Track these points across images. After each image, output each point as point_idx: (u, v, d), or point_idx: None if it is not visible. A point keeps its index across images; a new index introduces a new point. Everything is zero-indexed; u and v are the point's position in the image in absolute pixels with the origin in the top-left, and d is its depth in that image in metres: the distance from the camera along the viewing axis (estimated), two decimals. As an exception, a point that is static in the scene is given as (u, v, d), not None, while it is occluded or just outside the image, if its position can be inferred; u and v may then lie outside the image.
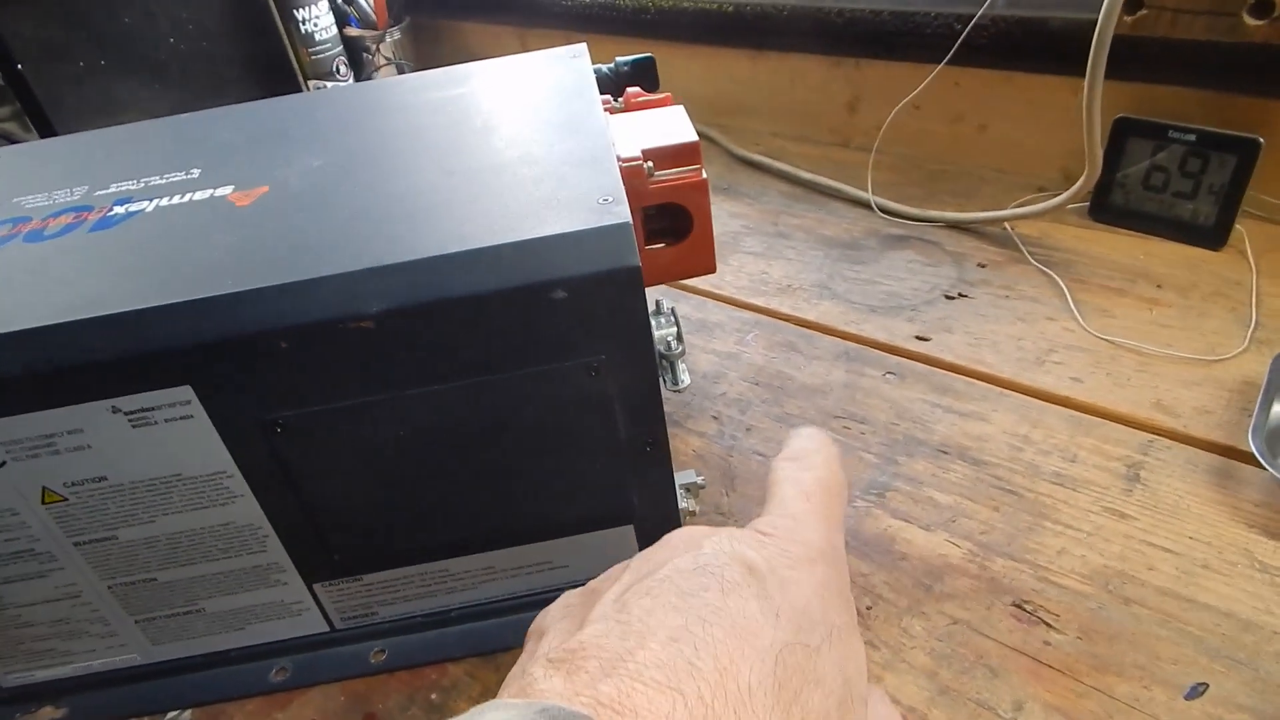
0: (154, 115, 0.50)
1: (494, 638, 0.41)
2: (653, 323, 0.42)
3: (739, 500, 0.48)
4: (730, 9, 0.85)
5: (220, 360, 0.31)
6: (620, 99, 0.48)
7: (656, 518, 0.39)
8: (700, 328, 0.62)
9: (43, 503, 0.34)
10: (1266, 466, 0.42)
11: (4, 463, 0.33)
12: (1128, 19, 0.61)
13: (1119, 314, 0.57)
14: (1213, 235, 0.61)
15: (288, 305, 0.31)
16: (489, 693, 0.39)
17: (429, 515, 0.37)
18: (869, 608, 0.41)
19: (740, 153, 0.86)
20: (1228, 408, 0.49)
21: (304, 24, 1.00)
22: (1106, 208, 0.66)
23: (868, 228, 0.72)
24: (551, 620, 0.25)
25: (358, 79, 1.08)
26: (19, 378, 0.31)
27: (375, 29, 1.08)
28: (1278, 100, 0.60)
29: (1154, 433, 0.48)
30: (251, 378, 0.32)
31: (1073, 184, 0.61)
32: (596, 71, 0.48)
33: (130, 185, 0.41)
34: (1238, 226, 0.61)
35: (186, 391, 0.32)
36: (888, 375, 0.55)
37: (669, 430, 0.36)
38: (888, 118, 0.72)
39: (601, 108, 0.42)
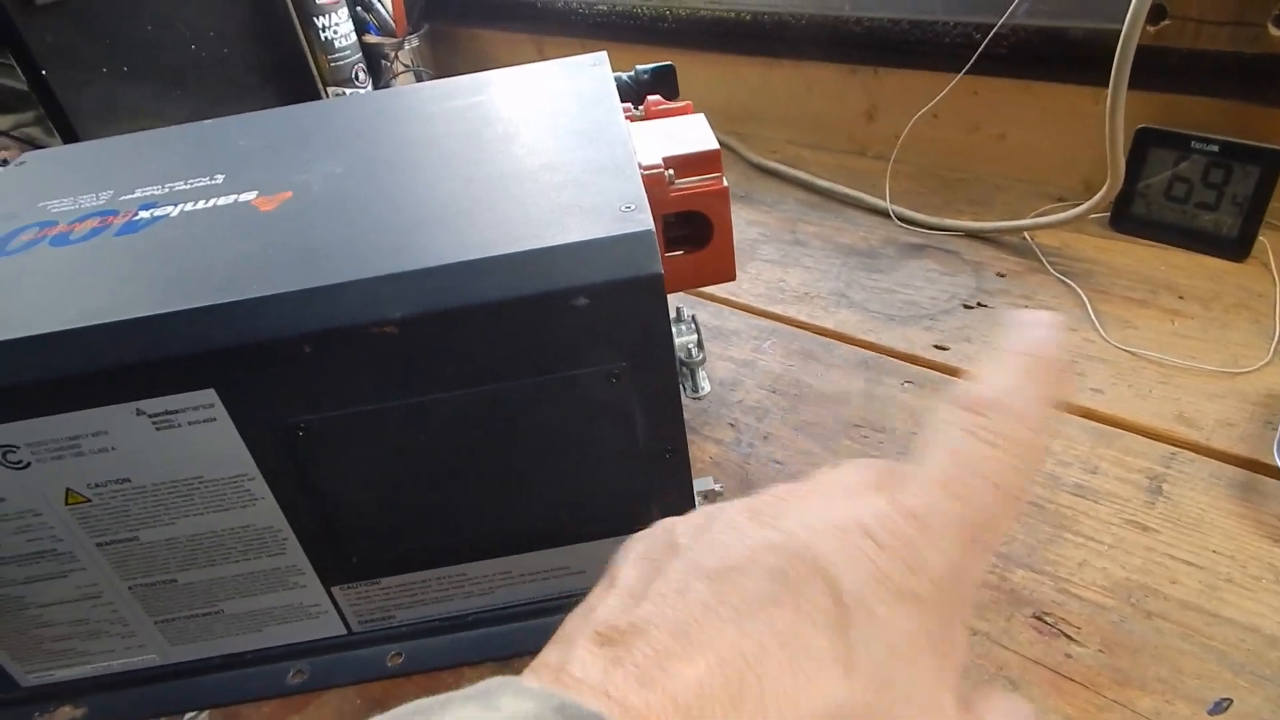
0: (175, 121, 0.51)
1: (511, 642, 0.41)
2: (673, 330, 0.42)
3: (756, 508, 0.47)
4: (747, 17, 0.85)
5: (244, 364, 0.32)
6: (640, 107, 0.48)
7: (675, 525, 0.39)
8: (717, 335, 0.62)
9: (66, 504, 0.34)
10: (1291, 480, 0.42)
11: (29, 464, 0.33)
12: (1150, 29, 0.61)
13: (1140, 325, 0.57)
14: (1236, 246, 0.61)
15: (311, 310, 0.31)
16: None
17: (447, 519, 0.37)
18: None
19: (757, 160, 0.86)
20: (1251, 420, 0.48)
21: (324, 31, 1.01)
22: (1128, 218, 0.66)
23: (885, 236, 0.71)
24: (632, 559, 0.22)
25: (376, 86, 1.08)
26: (45, 381, 0.31)
27: (394, 36, 1.09)
28: (1302, 111, 0.59)
29: (1176, 445, 0.48)
30: (274, 382, 0.32)
31: (1093, 194, 0.60)
32: (616, 79, 0.48)
33: (155, 190, 0.41)
34: (1261, 238, 0.60)
35: (210, 395, 0.32)
36: (906, 384, 0.55)
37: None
38: (906, 126, 0.72)
39: (623, 115, 0.42)
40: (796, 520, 0.20)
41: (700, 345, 0.43)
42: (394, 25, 1.09)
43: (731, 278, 0.45)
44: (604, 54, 0.50)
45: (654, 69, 0.54)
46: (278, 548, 0.37)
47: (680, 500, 0.38)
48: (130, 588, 0.37)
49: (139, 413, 0.32)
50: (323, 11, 1.00)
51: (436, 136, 0.43)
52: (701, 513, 0.23)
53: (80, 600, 0.37)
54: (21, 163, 0.48)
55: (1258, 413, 0.49)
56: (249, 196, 0.39)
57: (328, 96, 1.02)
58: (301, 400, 0.33)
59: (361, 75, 1.06)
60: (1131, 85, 0.53)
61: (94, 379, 0.31)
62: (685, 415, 0.36)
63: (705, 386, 0.44)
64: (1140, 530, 0.43)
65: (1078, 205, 0.62)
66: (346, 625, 0.41)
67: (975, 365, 0.21)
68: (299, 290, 0.31)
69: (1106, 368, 0.54)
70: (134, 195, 0.41)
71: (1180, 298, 0.59)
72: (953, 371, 0.55)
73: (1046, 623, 0.39)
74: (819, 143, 0.88)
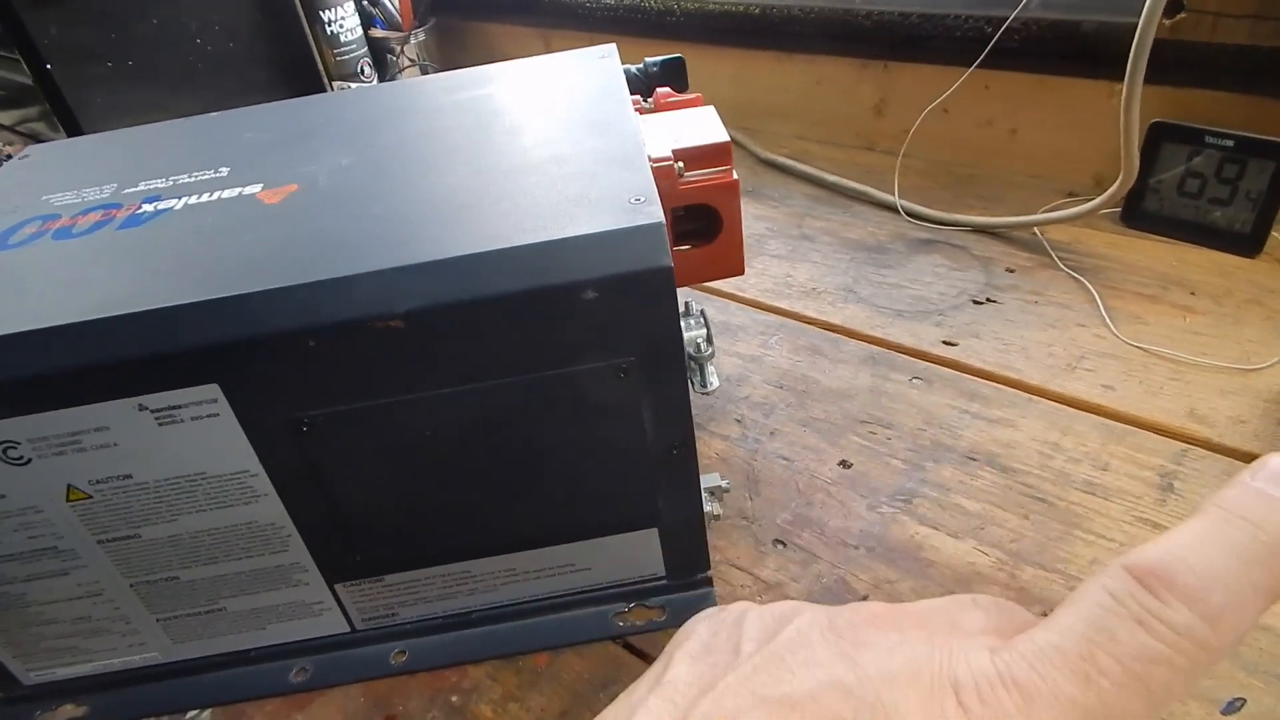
0: (180, 115, 0.51)
1: (516, 640, 0.40)
2: (682, 324, 0.41)
3: (763, 505, 0.47)
4: (756, 11, 0.84)
5: (248, 359, 0.31)
6: (650, 99, 0.48)
7: (681, 521, 0.38)
8: (723, 330, 0.62)
9: (67, 500, 0.34)
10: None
11: (29, 460, 0.33)
12: (1166, 22, 0.60)
13: (1152, 321, 0.56)
14: (1249, 242, 0.60)
15: (316, 304, 0.31)
16: (510, 695, 0.39)
17: (452, 516, 0.37)
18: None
19: (765, 155, 0.85)
20: (1264, 418, 0.48)
21: (330, 25, 1.00)
22: (1140, 213, 0.65)
23: (894, 231, 0.71)
24: (691, 653, 0.20)
25: (382, 80, 1.08)
26: (46, 375, 0.31)
27: (400, 30, 1.08)
28: (1318, 106, 0.58)
29: (1188, 442, 0.47)
30: (279, 376, 0.32)
31: (1105, 189, 0.60)
32: (625, 72, 0.48)
33: (159, 183, 0.41)
34: (1274, 234, 0.60)
35: (214, 390, 0.32)
36: (914, 380, 0.54)
37: (693, 433, 0.36)
38: (916, 121, 0.71)
39: (632, 108, 0.42)
40: (879, 658, 0.18)
41: (710, 340, 0.43)
42: (400, 19, 1.08)
43: (740, 272, 0.44)
44: (613, 46, 0.50)
45: (663, 61, 0.54)
46: (281, 545, 0.37)
47: (687, 496, 0.38)
48: (132, 585, 0.37)
49: (141, 408, 0.32)
50: (329, 6, 0.99)
51: (444, 129, 0.43)
52: (776, 610, 0.20)
53: (82, 598, 0.37)
54: (25, 156, 0.48)
55: (1270, 409, 0.48)
56: (254, 189, 0.39)
57: (334, 91, 1.02)
58: (306, 396, 0.32)
59: (367, 70, 1.05)
60: (1145, 79, 0.53)
61: (96, 374, 0.31)
62: (692, 411, 0.36)
63: (714, 382, 0.43)
64: (1152, 528, 0.42)
65: (1089, 200, 0.61)
66: (350, 623, 0.40)
67: (1177, 522, 0.16)
68: (304, 284, 0.31)
69: (1118, 364, 0.53)
70: (137, 188, 0.41)
71: (1192, 294, 0.58)
72: (961, 367, 0.55)
73: (1058, 622, 0.39)
74: (828, 137, 0.87)
